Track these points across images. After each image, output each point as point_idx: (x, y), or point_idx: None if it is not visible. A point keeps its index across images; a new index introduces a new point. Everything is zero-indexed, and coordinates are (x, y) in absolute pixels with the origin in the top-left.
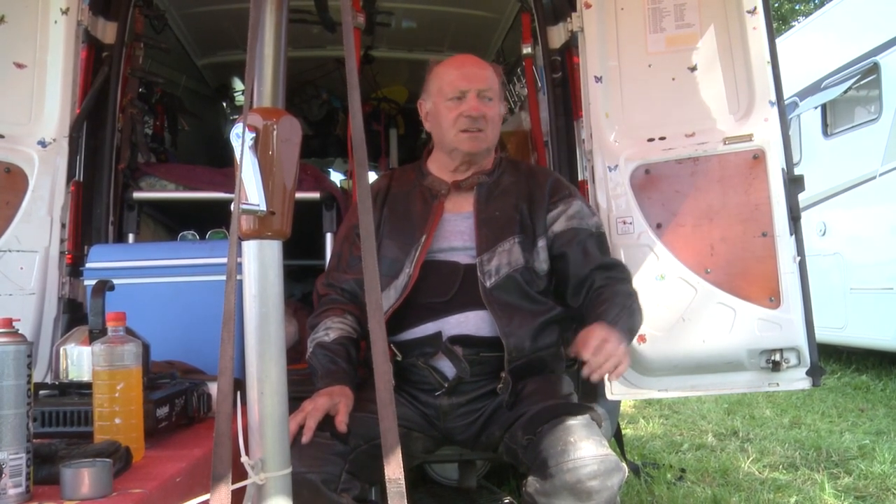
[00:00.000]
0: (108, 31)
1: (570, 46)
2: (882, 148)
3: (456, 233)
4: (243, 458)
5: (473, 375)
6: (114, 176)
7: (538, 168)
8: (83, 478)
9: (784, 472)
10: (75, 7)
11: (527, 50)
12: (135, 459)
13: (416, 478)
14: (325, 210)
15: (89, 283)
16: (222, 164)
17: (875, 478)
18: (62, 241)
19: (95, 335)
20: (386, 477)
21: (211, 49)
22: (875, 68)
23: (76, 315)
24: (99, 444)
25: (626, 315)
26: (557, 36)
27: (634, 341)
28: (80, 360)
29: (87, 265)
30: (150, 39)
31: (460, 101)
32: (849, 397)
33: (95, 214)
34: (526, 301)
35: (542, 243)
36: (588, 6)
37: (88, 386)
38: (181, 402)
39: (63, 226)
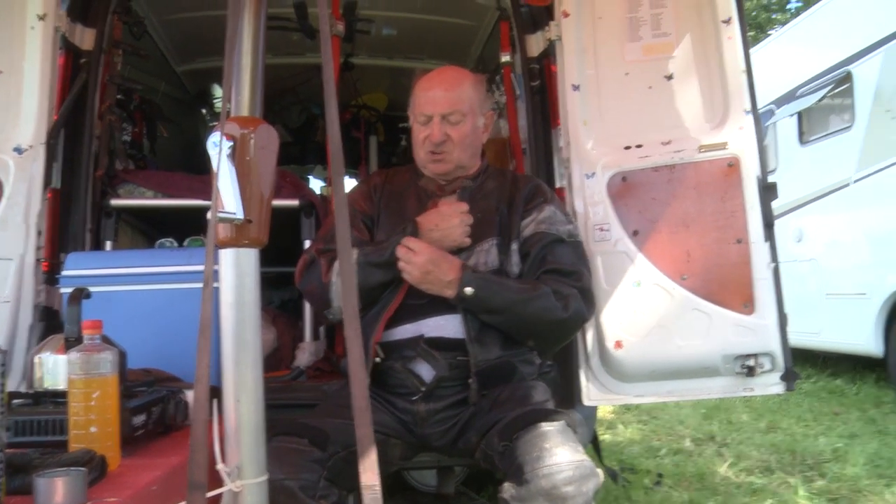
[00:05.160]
0: (86, 38)
1: (549, 55)
2: (856, 155)
3: None
4: (219, 466)
5: (450, 380)
6: (91, 183)
7: (522, 175)
8: (56, 488)
9: (759, 475)
10: (52, 13)
11: (505, 58)
12: (110, 468)
13: (395, 484)
14: (303, 217)
15: (65, 290)
16: (201, 171)
17: (847, 480)
18: (38, 248)
19: (71, 343)
20: (362, 484)
21: (190, 55)
22: (848, 77)
23: (52, 323)
24: (73, 452)
25: (505, 294)
26: (536, 44)
27: (611, 346)
28: (55, 369)
29: (64, 273)
30: (128, 46)
31: (426, 126)
32: (824, 401)
33: (72, 222)
34: None
35: (514, 247)
36: (566, 15)
37: (63, 395)
38: (158, 410)
39: (39, 233)
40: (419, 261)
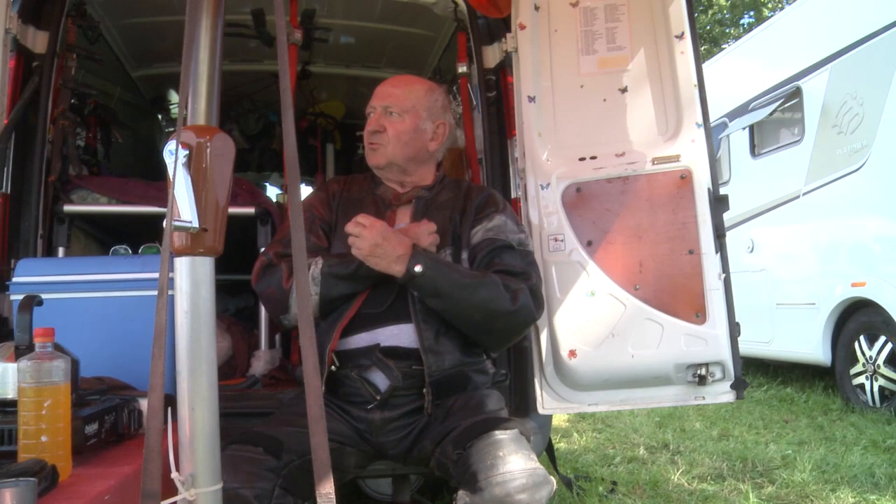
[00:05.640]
0: (38, 41)
1: (505, 66)
2: (805, 168)
3: None
4: (174, 474)
5: (405, 389)
6: (44, 188)
7: (477, 186)
8: (5, 499)
9: (712, 482)
10: (2, 15)
11: (462, 69)
12: (61, 478)
13: (350, 493)
14: (259, 225)
15: (16, 297)
16: (157, 177)
17: (795, 486)
18: None
19: (22, 351)
20: (316, 492)
21: (146, 61)
22: (798, 92)
23: (1, 331)
24: (23, 462)
25: (454, 277)
26: (492, 56)
27: (566, 356)
28: (4, 377)
29: (14, 279)
30: (83, 50)
31: (370, 118)
32: (774, 409)
33: (23, 227)
34: None
35: (464, 255)
36: (522, 27)
37: (13, 404)
38: (111, 419)
39: None
40: (369, 234)
